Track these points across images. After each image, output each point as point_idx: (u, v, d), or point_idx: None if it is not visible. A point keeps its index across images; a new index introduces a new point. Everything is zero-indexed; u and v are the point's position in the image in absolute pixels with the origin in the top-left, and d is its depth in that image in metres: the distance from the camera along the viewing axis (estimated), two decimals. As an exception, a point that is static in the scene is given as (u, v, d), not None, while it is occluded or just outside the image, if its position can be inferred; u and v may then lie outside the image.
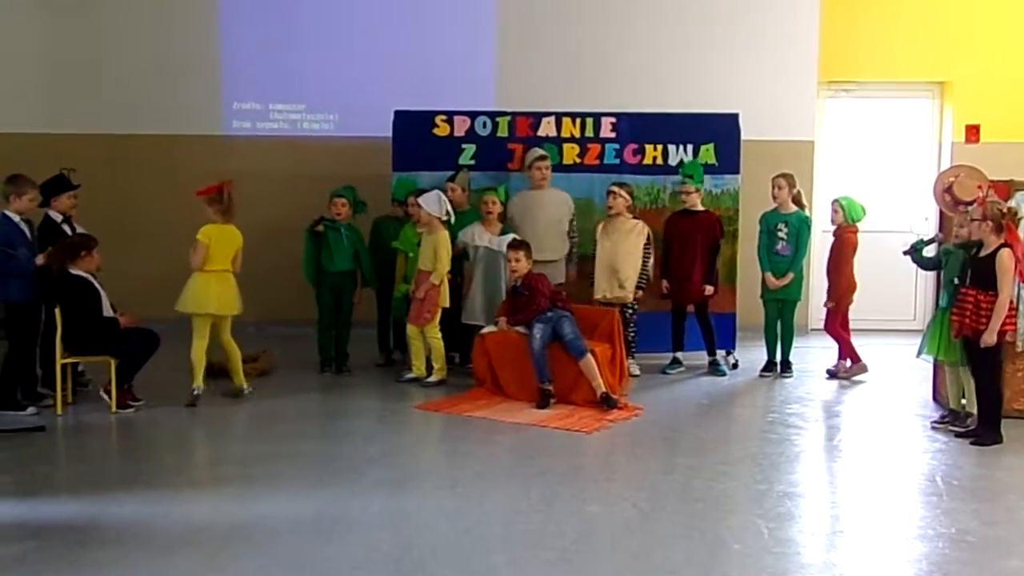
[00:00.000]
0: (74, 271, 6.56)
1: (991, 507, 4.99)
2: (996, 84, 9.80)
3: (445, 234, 7.48)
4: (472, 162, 8.29)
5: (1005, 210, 6.02)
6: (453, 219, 7.58)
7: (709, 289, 7.92)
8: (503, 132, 8.34)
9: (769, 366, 8.03)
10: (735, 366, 8.24)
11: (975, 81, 9.85)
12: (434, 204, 7.42)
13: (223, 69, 9.80)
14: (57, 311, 6.54)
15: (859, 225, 7.92)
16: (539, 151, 8.06)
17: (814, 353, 8.64)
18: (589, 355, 6.86)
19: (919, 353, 6.70)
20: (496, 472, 5.52)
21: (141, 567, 4.13)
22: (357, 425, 6.61)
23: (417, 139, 8.30)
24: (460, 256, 7.78)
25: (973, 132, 9.88)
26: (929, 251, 6.99)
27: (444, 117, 8.35)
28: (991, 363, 6.06)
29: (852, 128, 10.26)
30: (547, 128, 8.33)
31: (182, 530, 4.55)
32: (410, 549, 4.36)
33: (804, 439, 6.32)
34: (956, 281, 6.21)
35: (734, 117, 8.33)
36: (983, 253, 6.03)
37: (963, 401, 6.42)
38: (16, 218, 6.56)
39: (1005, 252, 5.92)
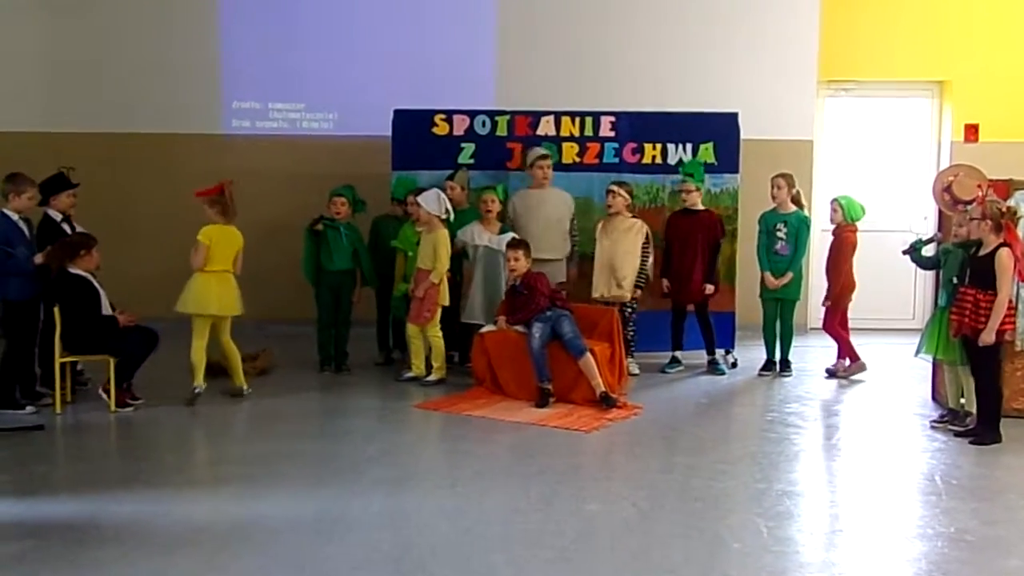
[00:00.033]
0: (73, 270, 6.56)
1: (990, 506, 4.99)
2: (995, 83, 9.81)
3: (445, 233, 7.47)
4: (471, 161, 8.29)
5: (1004, 209, 6.03)
6: (453, 217, 7.58)
7: (710, 288, 7.92)
8: (502, 131, 8.34)
9: (768, 365, 8.03)
10: (734, 365, 8.24)
11: (974, 80, 9.85)
12: (433, 203, 7.42)
13: (222, 68, 9.80)
14: (56, 310, 6.54)
15: (858, 224, 7.92)
16: (541, 150, 8.05)
17: (813, 352, 8.64)
18: (588, 354, 6.86)
19: (917, 352, 6.70)
20: (495, 471, 5.52)
21: (140, 566, 4.13)
22: (356, 424, 6.61)
23: (416, 138, 8.30)
24: (459, 255, 7.78)
25: (972, 131, 9.88)
26: (928, 250, 7.00)
27: (443, 116, 8.35)
28: (991, 362, 6.07)
29: (851, 127, 10.26)
30: (546, 127, 8.34)
31: (182, 529, 4.55)
32: (410, 548, 4.36)
33: (803, 438, 6.32)
34: (955, 280, 6.22)
35: (733, 116, 8.33)
36: (982, 252, 6.04)
37: (962, 400, 6.42)
38: (15, 217, 6.56)
39: (1004, 251, 5.92)
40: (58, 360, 6.59)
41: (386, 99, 8.75)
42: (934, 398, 7.12)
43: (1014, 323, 6.26)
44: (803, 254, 7.94)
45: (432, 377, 7.52)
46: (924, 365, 7.12)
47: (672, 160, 8.35)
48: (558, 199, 8.06)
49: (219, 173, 7.63)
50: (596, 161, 8.35)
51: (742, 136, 8.35)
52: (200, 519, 4.72)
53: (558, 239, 7.98)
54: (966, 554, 4.35)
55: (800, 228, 7.89)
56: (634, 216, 7.88)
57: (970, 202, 6.44)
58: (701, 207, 7.97)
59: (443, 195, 7.54)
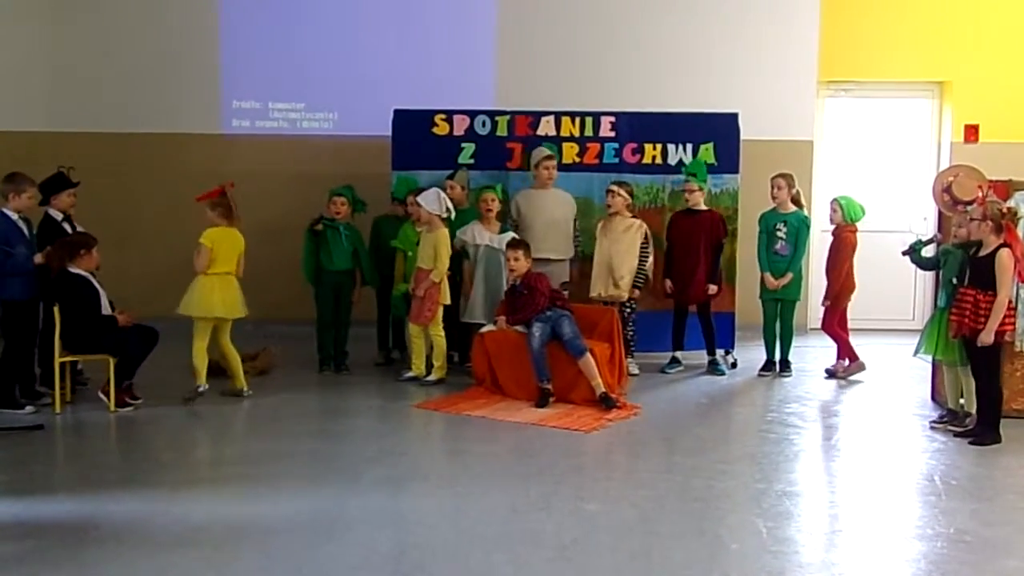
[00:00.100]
0: (73, 270, 6.56)
1: (989, 507, 4.99)
2: (995, 84, 9.81)
3: (445, 232, 7.47)
4: (471, 161, 8.29)
5: (1005, 210, 6.03)
6: (454, 215, 7.57)
7: (713, 288, 7.91)
8: (502, 131, 8.34)
9: (768, 365, 8.03)
10: (734, 365, 8.24)
11: (974, 81, 9.85)
12: (433, 202, 7.42)
13: (222, 68, 9.80)
14: (56, 309, 6.54)
15: (858, 225, 7.91)
16: (546, 150, 8.05)
17: (813, 353, 8.64)
18: (588, 354, 6.86)
19: (916, 352, 6.70)
20: (495, 471, 5.52)
21: (140, 566, 4.13)
22: (356, 424, 6.61)
23: (416, 138, 8.29)
24: (459, 254, 7.78)
25: (972, 132, 9.88)
26: (928, 251, 7.00)
27: (443, 116, 8.35)
28: (991, 363, 6.07)
29: (852, 128, 10.26)
30: (546, 127, 8.33)
31: (181, 529, 4.55)
32: (409, 548, 4.36)
33: (803, 438, 6.32)
34: (954, 281, 6.22)
35: (733, 117, 8.33)
36: (982, 253, 6.03)
37: (962, 401, 6.42)
38: (14, 216, 6.56)
39: (1004, 252, 5.92)
40: (58, 360, 6.59)
41: (386, 99, 8.76)
42: (934, 399, 7.12)
43: (1014, 324, 6.26)
44: (803, 254, 7.94)
45: (432, 377, 7.52)
46: (924, 366, 7.12)
47: (672, 160, 8.35)
48: (561, 199, 8.06)
49: (219, 173, 7.63)
50: (596, 161, 8.35)
51: (742, 136, 8.35)
52: (199, 519, 4.71)
53: (562, 239, 7.98)
54: (965, 554, 4.35)
55: (800, 228, 7.89)
56: (634, 216, 7.88)
57: (970, 203, 6.44)
58: (704, 207, 7.97)
59: (443, 194, 7.53)
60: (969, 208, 6.39)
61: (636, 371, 7.91)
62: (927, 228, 9.50)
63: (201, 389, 6.87)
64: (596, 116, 8.36)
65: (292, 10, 9.79)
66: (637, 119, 8.39)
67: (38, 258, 6.54)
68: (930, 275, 8.89)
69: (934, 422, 6.52)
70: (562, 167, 8.18)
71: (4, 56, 9.65)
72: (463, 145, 8.31)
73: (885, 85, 10.15)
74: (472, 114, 8.38)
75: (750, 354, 8.30)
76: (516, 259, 7.22)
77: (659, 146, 8.35)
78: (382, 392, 7.40)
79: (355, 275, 7.95)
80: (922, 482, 5.42)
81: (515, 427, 6.41)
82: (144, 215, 9.65)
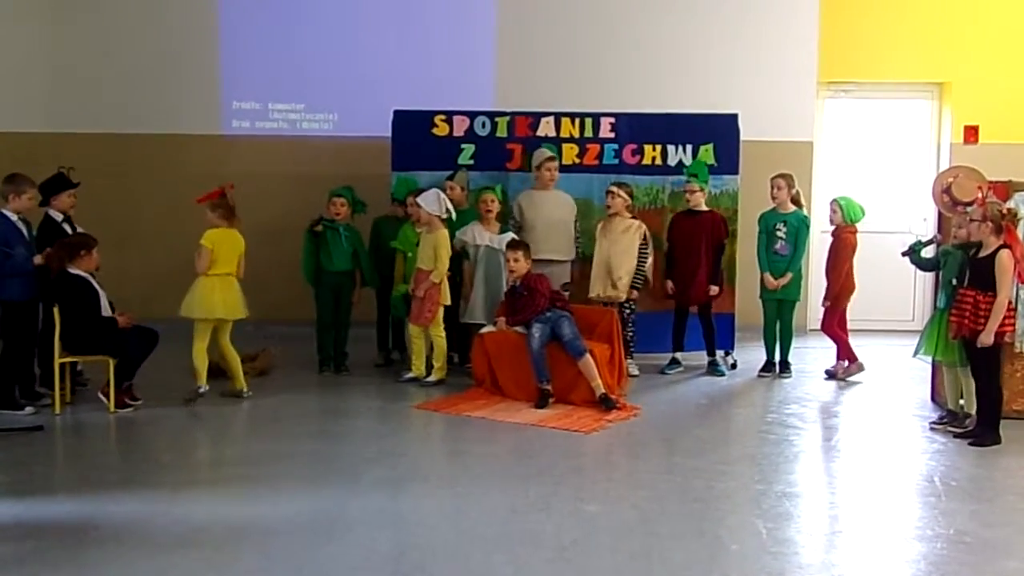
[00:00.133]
0: (73, 270, 6.56)
1: (989, 508, 5.00)
2: (995, 85, 9.81)
3: (445, 233, 7.47)
4: (471, 162, 8.28)
5: (1005, 211, 6.03)
6: (454, 216, 7.57)
7: (714, 289, 7.91)
8: (502, 132, 8.34)
9: (768, 366, 8.03)
10: (734, 366, 8.24)
11: (974, 82, 9.86)
12: (433, 203, 7.42)
13: (222, 68, 9.80)
14: (56, 310, 6.54)
15: (858, 225, 7.92)
16: (548, 152, 8.04)
17: (813, 353, 8.64)
18: (588, 355, 6.86)
19: (915, 352, 6.70)
20: (495, 472, 5.52)
21: (140, 566, 4.13)
22: (356, 425, 6.61)
23: (416, 139, 8.29)
24: (458, 255, 7.78)
25: (972, 133, 9.89)
26: (928, 252, 7.00)
27: (443, 117, 8.34)
28: (991, 364, 6.07)
29: (851, 129, 10.26)
30: (546, 128, 8.33)
31: (181, 529, 4.55)
32: (409, 549, 4.36)
33: (803, 439, 6.32)
34: (954, 282, 6.22)
35: (733, 117, 8.33)
36: (982, 254, 6.04)
37: (961, 402, 6.43)
38: (13, 217, 6.56)
39: (1004, 253, 5.92)
40: (57, 360, 6.59)
41: (386, 100, 8.76)
42: (933, 399, 7.12)
43: (1014, 325, 6.26)
44: (802, 254, 7.94)
45: (432, 378, 7.52)
46: (924, 367, 7.11)
47: (672, 161, 8.35)
48: (563, 200, 8.07)
49: (219, 174, 7.63)
50: (596, 162, 8.35)
51: (742, 137, 8.35)
52: (199, 519, 4.71)
53: (564, 240, 7.99)
54: (965, 555, 4.35)
55: (800, 228, 7.89)
56: (633, 217, 7.88)
57: (969, 203, 6.44)
58: (705, 208, 7.97)
59: (443, 195, 7.53)
60: (969, 209, 6.39)
61: (636, 372, 7.91)
62: (927, 229, 9.51)
63: (201, 390, 6.88)
64: (596, 117, 8.36)
65: (292, 10, 9.80)
66: (637, 120, 8.38)
67: (38, 259, 6.54)
68: (930, 276, 8.90)
69: (934, 423, 6.52)
70: (562, 168, 8.17)
71: (4, 56, 9.65)
72: (463, 146, 8.31)
73: (885, 86, 10.16)
74: (472, 115, 8.38)
75: (750, 355, 8.30)
76: (516, 260, 7.22)
77: (659, 147, 8.35)
78: (382, 393, 7.40)
79: (355, 276, 7.95)
80: (922, 483, 5.42)
81: (515, 428, 6.41)
82: (144, 216, 9.65)
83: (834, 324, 7.91)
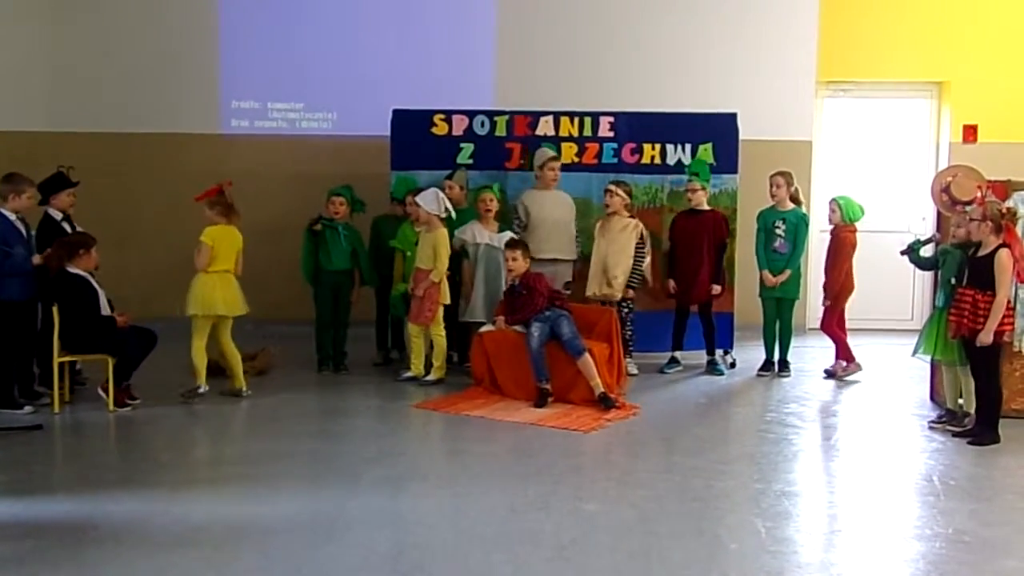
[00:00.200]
0: (72, 270, 6.56)
1: (988, 507, 5.00)
2: (994, 84, 9.81)
3: (444, 232, 7.47)
4: (470, 161, 8.29)
5: (1004, 210, 6.03)
6: (454, 215, 7.58)
7: (716, 289, 7.91)
8: (501, 131, 8.34)
9: (767, 365, 8.03)
10: (733, 365, 8.24)
11: (973, 81, 9.86)
12: (432, 202, 7.42)
13: (222, 68, 9.81)
14: (55, 309, 6.54)
15: (857, 225, 7.92)
16: (551, 152, 8.04)
17: (812, 353, 8.64)
18: (587, 354, 6.86)
19: (914, 352, 6.70)
20: (494, 471, 5.52)
21: (139, 566, 4.13)
22: (355, 424, 6.61)
23: (415, 138, 8.29)
24: (458, 254, 7.78)
25: (971, 132, 9.89)
26: (926, 251, 7.00)
27: (442, 116, 8.35)
28: (989, 363, 6.07)
29: (850, 128, 10.26)
30: (545, 127, 8.33)
31: (180, 529, 4.55)
32: (408, 548, 4.36)
33: (801, 438, 6.32)
34: (953, 281, 6.22)
35: (732, 117, 8.33)
36: (982, 253, 6.04)
37: (960, 401, 6.43)
38: (12, 216, 6.56)
39: (1004, 252, 5.93)
40: (56, 360, 6.58)
41: (386, 99, 8.76)
42: (932, 399, 7.12)
43: (1012, 324, 6.26)
44: (801, 252, 7.94)
45: (431, 377, 7.52)
46: (923, 365, 7.12)
47: (671, 160, 8.35)
48: (563, 200, 8.07)
49: (218, 173, 7.62)
50: (595, 161, 8.35)
51: (741, 136, 8.35)
52: (198, 519, 4.71)
53: (567, 240, 7.99)
54: (964, 555, 4.35)
55: (799, 226, 7.89)
56: (632, 216, 7.88)
57: (968, 203, 6.44)
58: (707, 207, 7.97)
59: (441, 194, 7.54)
60: (968, 208, 6.39)
61: (635, 371, 7.91)
62: (926, 228, 9.51)
63: (201, 390, 6.88)
64: (595, 116, 8.36)
65: (292, 10, 9.80)
66: (636, 119, 8.39)
67: (37, 258, 6.54)
68: (929, 275, 8.90)
69: (933, 422, 6.52)
70: (561, 167, 8.17)
71: (4, 56, 9.65)
72: (462, 145, 8.31)
73: (884, 85, 10.16)
74: (471, 114, 8.38)
75: (749, 354, 8.30)
76: (514, 259, 7.22)
77: (658, 146, 8.35)
78: (381, 392, 7.40)
79: (354, 275, 7.95)
80: (921, 482, 5.42)
81: (514, 427, 6.41)
82: (143, 215, 9.65)
83: (833, 323, 7.92)
